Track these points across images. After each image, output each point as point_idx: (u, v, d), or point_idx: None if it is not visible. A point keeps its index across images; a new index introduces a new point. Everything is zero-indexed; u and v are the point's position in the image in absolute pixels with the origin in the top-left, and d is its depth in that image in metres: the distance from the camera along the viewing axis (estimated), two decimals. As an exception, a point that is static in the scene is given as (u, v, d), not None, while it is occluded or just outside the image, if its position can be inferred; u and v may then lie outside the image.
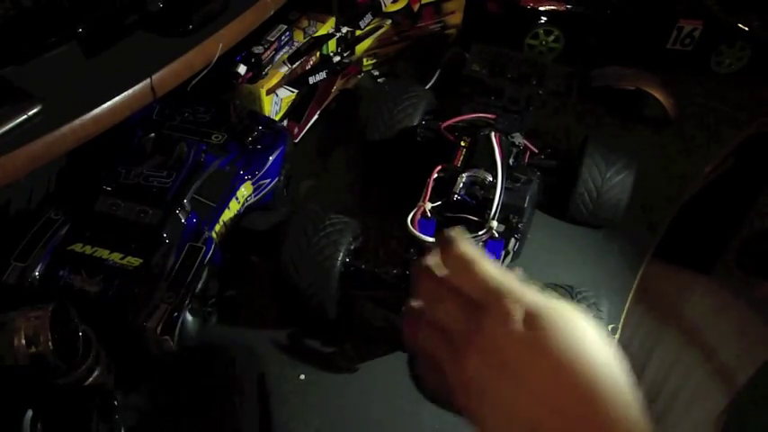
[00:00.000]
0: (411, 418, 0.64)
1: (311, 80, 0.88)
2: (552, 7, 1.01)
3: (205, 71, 0.70)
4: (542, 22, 1.01)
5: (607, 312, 0.61)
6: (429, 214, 0.66)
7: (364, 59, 0.99)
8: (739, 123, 0.98)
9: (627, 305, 0.74)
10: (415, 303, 0.44)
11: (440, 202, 0.67)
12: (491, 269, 0.41)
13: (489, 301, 0.39)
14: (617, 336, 0.71)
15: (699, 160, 0.92)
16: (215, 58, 0.69)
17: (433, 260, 0.44)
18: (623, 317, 0.73)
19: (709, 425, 0.76)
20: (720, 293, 0.88)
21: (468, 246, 0.43)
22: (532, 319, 0.38)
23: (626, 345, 0.82)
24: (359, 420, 0.64)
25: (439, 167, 0.69)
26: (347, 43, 0.93)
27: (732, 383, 0.78)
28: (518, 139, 0.74)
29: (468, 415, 0.40)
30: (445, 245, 0.43)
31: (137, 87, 0.62)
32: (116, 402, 0.56)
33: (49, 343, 0.50)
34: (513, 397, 0.37)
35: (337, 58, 0.91)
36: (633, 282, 0.76)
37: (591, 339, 0.39)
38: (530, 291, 0.40)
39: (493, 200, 0.65)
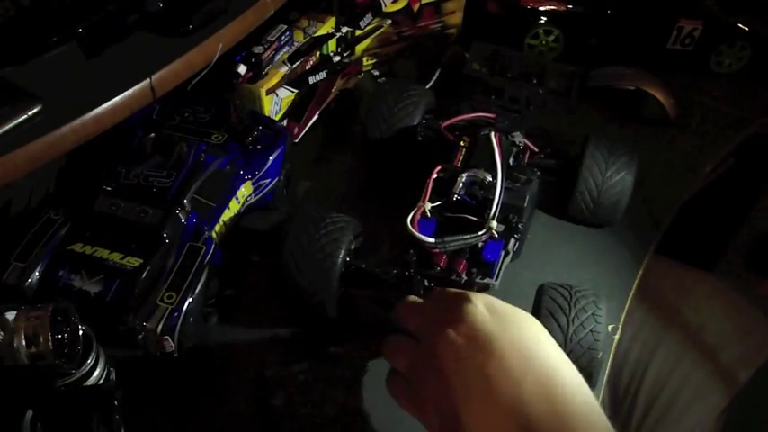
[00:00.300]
0: (413, 417, 0.64)
1: (311, 80, 0.88)
2: (552, 7, 1.01)
3: (205, 71, 0.70)
4: (542, 21, 1.01)
5: (606, 311, 0.61)
6: (429, 214, 0.66)
7: (364, 59, 0.99)
8: (739, 123, 0.98)
9: (627, 304, 0.74)
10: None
11: (439, 203, 0.67)
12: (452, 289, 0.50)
13: (453, 300, 0.46)
14: (617, 335, 0.71)
15: (699, 160, 0.92)
16: (215, 58, 0.69)
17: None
18: (623, 316, 0.73)
19: (710, 424, 0.76)
20: (725, 292, 0.88)
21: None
22: (491, 309, 0.45)
23: (629, 344, 0.82)
24: (360, 420, 0.64)
25: (439, 167, 0.69)
26: (347, 43, 0.93)
27: (733, 383, 0.78)
28: (518, 138, 0.74)
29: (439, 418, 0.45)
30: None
31: (137, 87, 0.62)
32: (116, 402, 0.56)
33: (49, 343, 0.50)
34: (480, 369, 0.40)
35: (337, 58, 0.91)
36: (634, 281, 0.76)
37: (545, 337, 0.45)
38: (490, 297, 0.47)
39: (492, 200, 0.65)
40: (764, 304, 0.86)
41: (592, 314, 0.60)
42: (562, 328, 0.59)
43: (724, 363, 0.80)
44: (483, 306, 0.44)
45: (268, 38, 0.85)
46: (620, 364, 0.82)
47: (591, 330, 0.59)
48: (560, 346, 0.58)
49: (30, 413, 0.50)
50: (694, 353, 0.81)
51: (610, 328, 0.70)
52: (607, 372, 0.68)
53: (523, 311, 0.46)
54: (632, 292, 0.75)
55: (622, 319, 0.73)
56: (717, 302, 0.87)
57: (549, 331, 0.58)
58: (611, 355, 0.69)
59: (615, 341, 0.70)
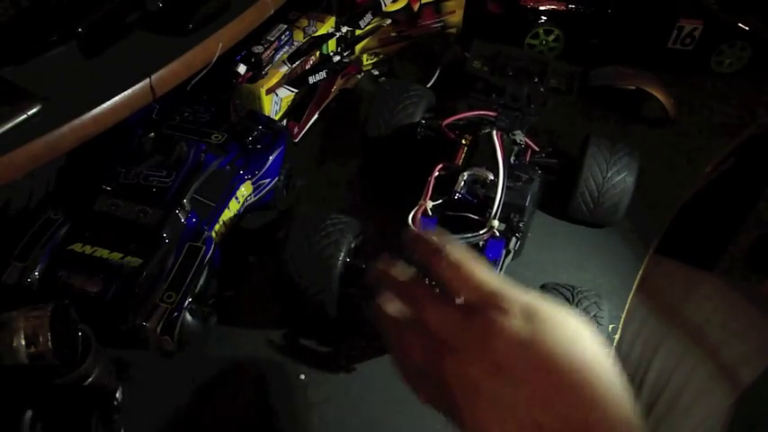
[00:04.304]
0: (411, 417, 0.64)
1: (311, 80, 0.88)
2: (552, 7, 1.01)
3: (205, 71, 0.70)
4: (542, 21, 1.01)
5: (608, 312, 0.61)
6: (430, 212, 0.66)
7: (364, 59, 0.99)
8: (740, 123, 0.98)
9: (628, 304, 0.74)
10: (393, 309, 0.44)
11: (441, 201, 0.67)
12: (485, 272, 0.41)
13: (485, 302, 0.39)
14: (617, 335, 0.71)
15: (699, 160, 0.92)
16: (215, 58, 0.69)
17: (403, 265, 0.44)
18: (623, 316, 0.73)
19: (711, 424, 0.76)
20: (726, 292, 0.88)
21: (459, 249, 0.42)
22: (528, 317, 0.38)
23: (629, 344, 0.82)
24: (359, 419, 0.64)
25: (440, 165, 0.69)
26: (347, 43, 0.93)
27: (736, 382, 0.78)
28: (519, 137, 0.74)
29: (460, 422, 0.39)
30: (435, 250, 0.43)
31: (136, 87, 0.62)
32: (116, 402, 0.56)
33: (49, 343, 0.50)
34: (511, 396, 0.37)
35: (337, 58, 0.91)
36: (634, 280, 0.76)
37: (586, 339, 0.39)
38: (525, 292, 0.40)
39: (494, 198, 0.65)
40: (765, 303, 0.86)
41: (594, 316, 0.59)
42: None
43: (726, 362, 0.80)
44: (520, 315, 0.38)
45: (268, 37, 0.85)
46: (622, 363, 0.82)
47: None
48: None
49: (30, 413, 0.50)
50: (696, 352, 0.81)
51: (610, 327, 0.70)
52: (608, 371, 0.68)
53: (563, 311, 0.40)
54: (633, 291, 0.75)
55: (623, 319, 0.72)
56: (718, 302, 0.86)
57: None
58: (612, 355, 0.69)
59: (615, 341, 0.70)
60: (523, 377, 0.37)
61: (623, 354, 0.82)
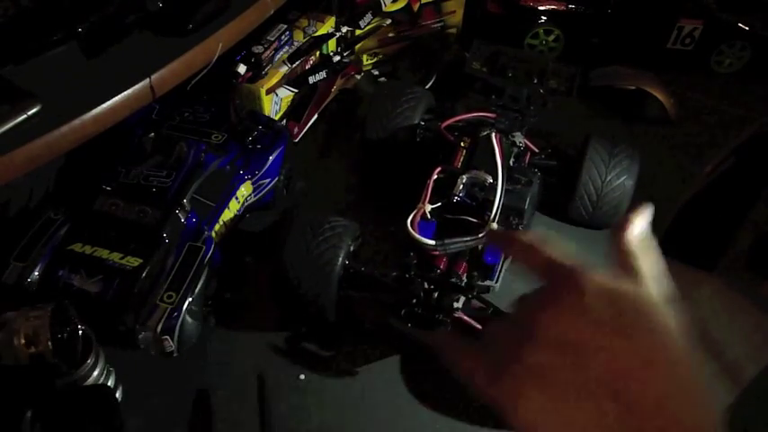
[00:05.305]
0: (409, 417, 0.64)
1: (311, 80, 0.88)
2: (552, 7, 1.01)
3: (205, 71, 0.70)
4: (542, 21, 1.01)
5: None
6: (429, 216, 0.66)
7: (364, 59, 0.99)
8: (739, 123, 0.98)
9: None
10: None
11: (439, 204, 0.67)
12: (558, 250, 0.36)
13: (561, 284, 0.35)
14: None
15: (699, 160, 0.92)
16: (215, 58, 0.69)
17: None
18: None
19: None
20: (728, 292, 0.87)
21: (530, 233, 0.39)
22: (609, 301, 0.33)
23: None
24: (358, 420, 0.64)
25: (438, 169, 0.69)
26: (347, 43, 0.93)
27: (738, 381, 0.78)
28: (519, 138, 0.74)
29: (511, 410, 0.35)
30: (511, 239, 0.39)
31: (136, 87, 0.62)
32: (116, 402, 0.56)
33: (49, 343, 0.50)
34: (581, 380, 0.32)
35: (337, 58, 0.91)
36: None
37: (672, 330, 0.34)
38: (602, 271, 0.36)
39: (493, 201, 0.65)
40: (766, 304, 0.86)
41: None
42: None
43: (729, 361, 0.80)
44: (597, 298, 0.34)
45: (268, 37, 0.85)
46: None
47: None
48: None
49: (30, 413, 0.50)
50: (698, 351, 0.81)
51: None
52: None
53: (650, 297, 0.38)
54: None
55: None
56: (720, 302, 0.86)
57: None
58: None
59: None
60: (597, 370, 0.33)
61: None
